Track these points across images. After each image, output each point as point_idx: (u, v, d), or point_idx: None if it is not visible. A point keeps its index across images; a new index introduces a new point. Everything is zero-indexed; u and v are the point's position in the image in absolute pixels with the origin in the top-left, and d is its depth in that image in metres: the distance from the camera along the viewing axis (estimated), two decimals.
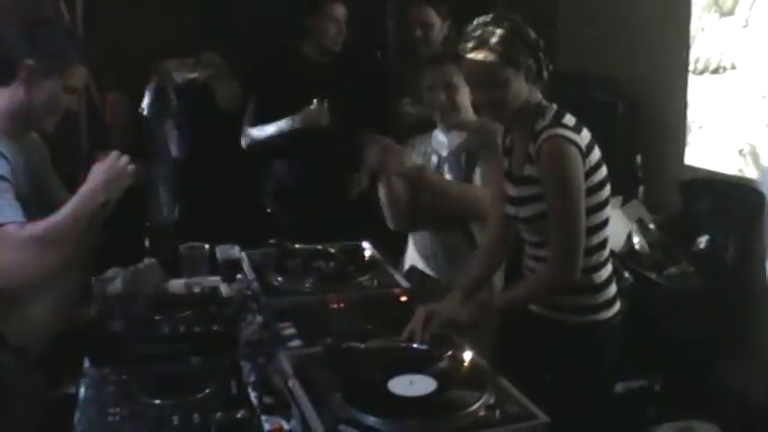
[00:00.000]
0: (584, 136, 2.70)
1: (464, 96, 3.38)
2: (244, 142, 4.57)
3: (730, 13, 4.37)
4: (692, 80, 4.62)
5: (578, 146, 2.65)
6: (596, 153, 2.72)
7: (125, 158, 2.83)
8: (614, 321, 2.85)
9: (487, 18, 2.71)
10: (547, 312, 2.85)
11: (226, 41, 5.26)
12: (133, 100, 5.29)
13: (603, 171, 2.74)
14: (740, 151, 4.29)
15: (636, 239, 4.27)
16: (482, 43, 2.67)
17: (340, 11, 4.49)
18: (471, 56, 2.70)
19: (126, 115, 5.16)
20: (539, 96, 2.76)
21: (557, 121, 2.70)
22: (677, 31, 4.67)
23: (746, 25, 4.28)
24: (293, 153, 4.42)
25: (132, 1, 5.28)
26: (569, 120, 2.72)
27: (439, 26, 4.48)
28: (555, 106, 2.75)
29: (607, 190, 2.76)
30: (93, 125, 5.29)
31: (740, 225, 4.13)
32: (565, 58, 5.50)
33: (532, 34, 2.72)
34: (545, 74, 2.75)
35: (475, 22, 2.72)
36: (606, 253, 2.83)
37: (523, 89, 2.71)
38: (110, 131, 5.06)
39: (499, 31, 2.66)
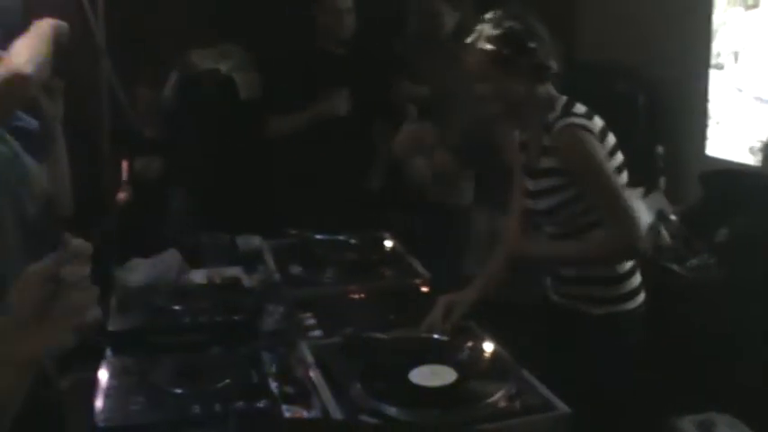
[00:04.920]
0: (597, 122, 2.71)
1: None
2: (265, 133, 4.58)
3: (755, 6, 4.33)
4: (713, 73, 4.59)
5: (592, 131, 2.66)
6: (611, 139, 2.73)
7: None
8: (637, 312, 2.84)
9: (492, 15, 2.72)
10: (569, 303, 2.85)
11: (246, 33, 5.27)
12: (155, 91, 5.30)
13: (619, 158, 2.74)
14: (762, 144, 4.27)
15: (657, 231, 4.25)
16: (477, 42, 2.72)
17: (342, 2, 4.51)
18: (469, 53, 2.75)
19: (153, 108, 5.17)
20: (547, 91, 2.77)
21: (567, 110, 2.71)
22: (700, 23, 4.63)
23: None
24: (314, 143, 4.43)
25: None
26: (579, 108, 2.73)
27: (449, 15, 4.46)
28: (564, 97, 2.76)
29: (623, 177, 2.76)
30: (116, 118, 5.32)
31: (762, 216, 4.10)
32: (586, 49, 5.49)
33: (538, 32, 2.72)
34: (550, 72, 2.74)
35: (481, 18, 2.74)
36: None
37: (518, 86, 2.73)
38: (134, 123, 5.07)
39: (495, 32, 2.69)
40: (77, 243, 1.88)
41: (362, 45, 4.63)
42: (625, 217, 2.65)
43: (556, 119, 2.69)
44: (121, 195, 5.02)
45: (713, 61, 4.58)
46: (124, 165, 5.05)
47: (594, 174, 2.67)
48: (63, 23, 2.61)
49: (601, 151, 2.67)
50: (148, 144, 5.08)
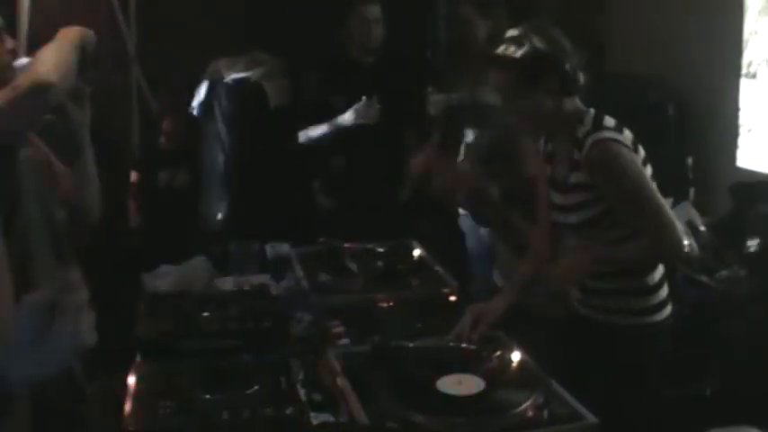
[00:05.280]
0: (627, 135, 2.70)
1: None
2: (294, 141, 4.61)
3: None
4: (744, 83, 4.57)
5: (626, 144, 2.65)
6: (640, 152, 2.71)
7: None
8: (666, 324, 2.82)
9: (517, 31, 2.71)
10: (598, 315, 2.84)
11: (276, 41, 5.29)
12: (184, 99, 5.34)
13: (648, 170, 2.73)
14: None
15: (686, 242, 4.23)
16: (501, 57, 2.70)
17: (371, 12, 4.53)
18: (495, 68, 2.74)
19: (182, 119, 5.21)
20: (575, 104, 2.76)
21: (598, 124, 2.69)
22: (731, 33, 4.61)
23: None
24: (343, 151, 4.44)
25: (184, 1, 5.33)
26: (609, 121, 2.71)
27: (481, 25, 4.45)
28: (593, 111, 2.74)
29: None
30: (145, 125, 5.36)
31: None
32: (615, 60, 5.47)
33: (564, 46, 2.71)
34: (576, 85, 2.74)
35: (506, 34, 2.73)
36: None
37: (546, 101, 2.71)
38: (162, 132, 5.11)
39: (522, 48, 2.66)
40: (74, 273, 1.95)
41: (392, 54, 4.64)
42: (664, 221, 2.64)
43: (587, 133, 2.68)
44: (149, 203, 5.05)
45: (744, 71, 4.56)
46: (151, 174, 5.08)
47: (634, 186, 2.65)
48: (89, 31, 2.64)
49: (637, 164, 2.66)
50: (176, 154, 5.10)
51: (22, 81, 2.31)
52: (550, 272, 2.82)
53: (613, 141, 2.64)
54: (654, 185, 2.72)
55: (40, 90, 2.33)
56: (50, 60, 2.40)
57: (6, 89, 2.28)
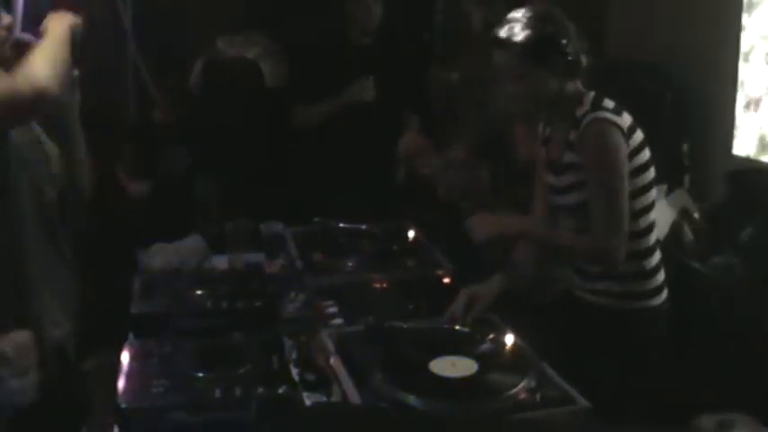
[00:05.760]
0: (626, 119, 2.70)
1: None
2: (291, 121, 4.60)
3: None
4: (742, 68, 4.56)
5: (620, 127, 2.65)
6: (638, 135, 2.72)
7: None
8: (661, 309, 2.83)
9: (519, 14, 2.71)
10: (593, 298, 2.84)
11: (273, 21, 5.27)
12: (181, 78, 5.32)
13: (647, 154, 2.73)
14: None
15: (680, 228, 4.23)
16: (505, 39, 2.70)
17: None
18: (498, 51, 2.74)
19: (180, 94, 5.19)
20: (576, 87, 2.76)
21: (597, 105, 2.70)
22: (728, 18, 4.61)
23: None
24: (339, 132, 4.44)
25: None
26: (609, 103, 2.72)
27: (480, 7, 4.43)
28: (593, 93, 2.75)
29: (651, 173, 2.75)
30: (141, 105, 5.34)
31: None
32: (613, 46, 5.46)
33: (567, 28, 2.71)
34: (579, 68, 2.74)
35: (508, 16, 2.73)
36: (654, 238, 2.82)
37: (550, 83, 2.73)
38: (158, 110, 5.10)
39: (523, 31, 2.67)
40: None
41: (389, 36, 4.63)
42: (614, 222, 2.65)
43: (585, 113, 2.68)
44: (145, 182, 5.04)
45: (742, 59, 4.55)
46: (149, 153, 5.06)
47: (605, 168, 2.65)
48: (77, 19, 2.65)
49: (623, 149, 2.65)
50: (174, 133, 5.08)
51: (20, 85, 2.33)
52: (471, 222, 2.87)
53: (609, 122, 2.64)
54: (650, 171, 2.72)
55: (37, 97, 2.36)
56: (46, 66, 2.42)
57: (4, 87, 2.30)
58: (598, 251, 2.70)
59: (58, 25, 2.59)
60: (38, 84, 2.34)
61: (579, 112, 2.71)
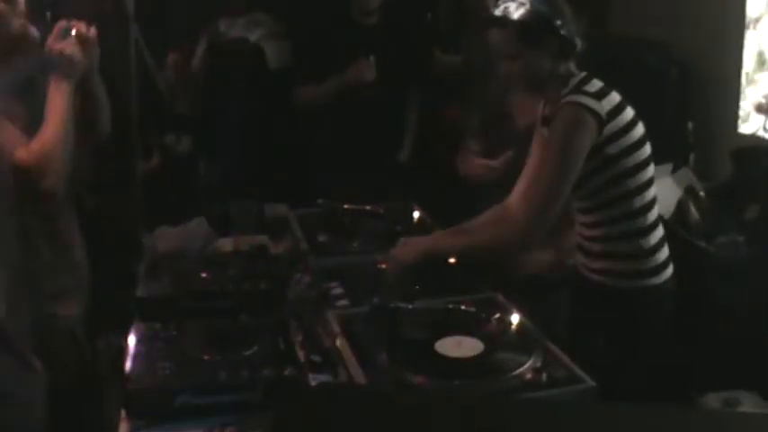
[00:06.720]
0: (610, 100, 2.67)
1: None
2: (294, 102, 4.59)
3: None
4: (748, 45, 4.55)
5: (596, 113, 2.62)
6: (626, 115, 2.68)
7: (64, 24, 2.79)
8: (665, 288, 2.82)
9: None
10: (598, 277, 2.84)
11: (275, 2, 5.25)
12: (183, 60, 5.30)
13: (639, 130, 2.70)
14: None
15: (685, 207, 4.23)
16: (501, 18, 2.70)
17: None
18: (494, 29, 2.74)
19: (183, 76, 5.18)
20: (568, 68, 2.75)
21: (578, 88, 2.69)
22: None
23: None
24: (343, 112, 4.43)
25: None
26: (593, 86, 2.70)
27: None
28: (582, 74, 2.74)
29: (646, 150, 2.72)
30: (145, 88, 5.33)
31: None
32: (618, 22, 5.44)
33: (563, 9, 2.71)
34: (573, 49, 2.73)
35: None
36: (653, 217, 2.79)
37: (543, 63, 2.73)
38: (160, 91, 5.08)
39: (519, 10, 2.67)
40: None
41: (392, 15, 4.61)
42: (536, 197, 2.63)
43: (564, 95, 2.68)
44: (150, 164, 5.04)
45: (747, 36, 4.53)
46: (154, 137, 5.06)
47: (555, 145, 2.65)
48: (93, 48, 2.83)
49: (585, 136, 2.62)
50: (178, 118, 5.08)
51: (35, 155, 2.61)
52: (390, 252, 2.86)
53: (579, 106, 2.62)
54: (644, 149, 2.70)
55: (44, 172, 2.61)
56: (55, 147, 2.65)
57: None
58: (501, 223, 2.73)
59: (59, 96, 2.72)
60: (41, 157, 2.62)
61: (562, 94, 2.70)
